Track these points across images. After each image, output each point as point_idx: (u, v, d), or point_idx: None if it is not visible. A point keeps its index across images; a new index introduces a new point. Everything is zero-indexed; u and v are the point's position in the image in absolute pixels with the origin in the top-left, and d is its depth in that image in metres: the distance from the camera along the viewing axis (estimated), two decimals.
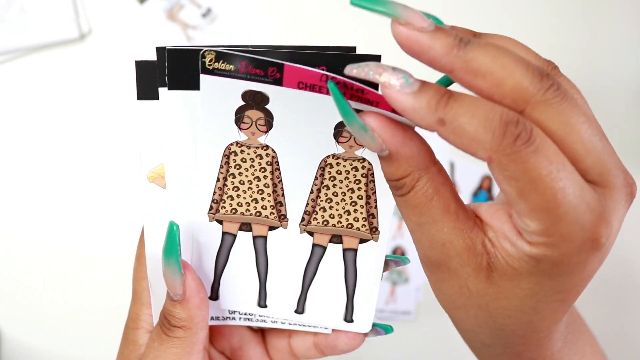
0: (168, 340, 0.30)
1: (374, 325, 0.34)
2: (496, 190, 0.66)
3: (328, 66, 0.27)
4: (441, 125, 0.22)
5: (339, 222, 0.31)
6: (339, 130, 0.29)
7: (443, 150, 0.63)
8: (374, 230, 0.31)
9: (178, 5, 0.60)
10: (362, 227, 0.31)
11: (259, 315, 0.34)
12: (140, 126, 0.29)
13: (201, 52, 0.27)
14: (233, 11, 0.60)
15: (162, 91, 0.29)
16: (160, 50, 0.28)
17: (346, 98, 0.24)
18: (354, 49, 0.28)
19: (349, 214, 0.31)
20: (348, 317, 0.33)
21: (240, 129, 0.29)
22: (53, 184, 0.60)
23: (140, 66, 0.28)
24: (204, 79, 0.27)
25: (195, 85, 0.28)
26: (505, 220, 0.24)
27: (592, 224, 0.22)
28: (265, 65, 0.26)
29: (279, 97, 0.27)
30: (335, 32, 0.60)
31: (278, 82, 0.27)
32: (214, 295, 0.32)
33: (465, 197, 0.65)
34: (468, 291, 0.25)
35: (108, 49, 0.60)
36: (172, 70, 0.28)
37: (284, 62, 0.26)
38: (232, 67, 0.27)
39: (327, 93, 0.26)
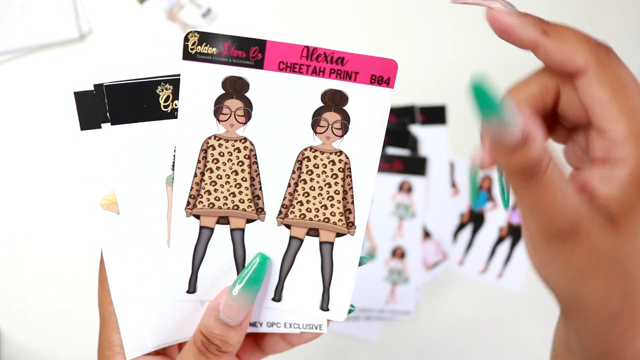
0: None
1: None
2: (496, 191, 0.65)
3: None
4: (545, 35, 0.26)
5: (316, 216, 0.32)
6: (316, 119, 0.29)
7: (443, 149, 0.63)
8: (350, 225, 0.32)
9: (178, 5, 0.60)
10: (338, 221, 0.32)
11: None
12: (87, 156, 0.30)
13: (185, 35, 0.27)
14: (233, 11, 0.60)
15: (105, 126, 0.29)
16: (97, 87, 0.29)
17: (325, 74, 0.28)
18: None
19: (326, 208, 0.31)
20: (324, 306, 0.33)
21: (219, 120, 0.29)
22: (53, 184, 0.60)
23: (80, 97, 0.29)
24: (184, 65, 0.28)
25: (136, 118, 0.29)
26: (596, 175, 0.26)
27: None
28: (248, 44, 0.27)
29: (259, 81, 0.28)
30: (335, 32, 0.60)
31: (259, 64, 0.28)
32: (192, 288, 0.33)
33: (465, 197, 0.65)
34: (598, 251, 0.26)
35: (108, 49, 0.60)
36: (113, 105, 0.29)
37: (266, 39, 0.27)
38: (214, 49, 0.28)
39: (308, 73, 0.28)
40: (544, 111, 0.28)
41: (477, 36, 0.60)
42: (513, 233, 0.66)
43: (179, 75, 0.29)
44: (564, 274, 0.27)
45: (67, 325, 0.61)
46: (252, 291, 0.30)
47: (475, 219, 0.65)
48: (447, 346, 0.59)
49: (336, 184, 0.31)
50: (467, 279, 0.64)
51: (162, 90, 0.29)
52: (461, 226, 0.65)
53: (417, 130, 0.64)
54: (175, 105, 0.29)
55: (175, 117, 0.29)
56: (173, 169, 0.30)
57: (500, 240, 0.66)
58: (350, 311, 0.35)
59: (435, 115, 0.65)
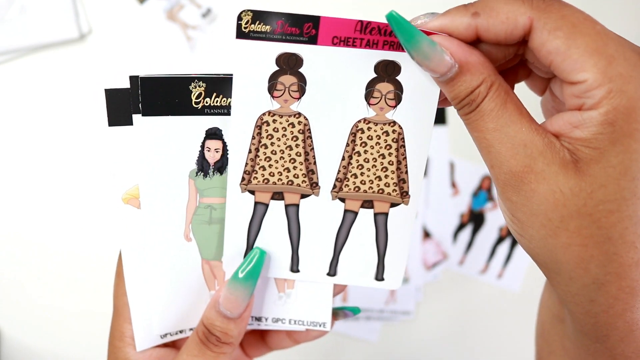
0: (214, 357, 0.31)
1: (341, 309, 0.35)
2: (495, 190, 0.65)
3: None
4: (476, 17, 0.24)
5: (370, 187, 0.32)
6: (370, 90, 0.30)
7: (443, 149, 0.63)
8: (404, 195, 0.32)
9: (178, 5, 0.60)
10: (392, 192, 0.32)
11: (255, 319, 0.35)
12: (113, 150, 0.31)
13: (238, 14, 0.28)
14: (233, 11, 0.60)
15: (136, 117, 0.30)
16: (133, 78, 0.29)
17: (379, 46, 0.28)
18: None
19: (380, 179, 0.32)
20: (379, 276, 0.34)
21: (273, 97, 0.30)
22: (54, 185, 0.60)
23: (110, 94, 0.30)
24: (238, 44, 0.28)
25: (167, 111, 0.30)
26: (563, 117, 0.24)
27: None
28: (302, 21, 0.28)
29: (313, 57, 0.28)
30: None
31: (313, 39, 0.28)
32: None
33: (465, 197, 0.65)
34: (562, 196, 0.24)
35: (108, 49, 0.60)
36: (145, 97, 0.29)
37: (320, 15, 0.28)
38: (268, 27, 0.28)
39: (361, 46, 0.28)
40: (495, 39, 0.25)
41: None
42: None
43: (212, 74, 0.29)
44: (531, 225, 0.25)
45: (67, 325, 0.61)
46: (249, 284, 0.30)
47: (475, 219, 0.65)
48: (447, 346, 0.59)
49: (390, 154, 0.31)
50: (467, 279, 0.64)
51: (195, 87, 0.30)
52: (461, 226, 0.65)
53: None
54: (207, 102, 0.30)
55: (206, 114, 0.30)
56: (197, 164, 0.31)
57: (500, 240, 0.66)
58: (355, 312, 0.35)
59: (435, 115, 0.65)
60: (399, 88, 0.30)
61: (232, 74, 0.29)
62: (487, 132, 0.25)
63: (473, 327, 0.53)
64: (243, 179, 0.31)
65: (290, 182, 0.32)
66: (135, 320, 0.33)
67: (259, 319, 0.35)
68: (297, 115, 0.30)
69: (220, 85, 0.30)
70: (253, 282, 0.31)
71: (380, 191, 0.32)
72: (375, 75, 0.29)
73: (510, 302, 0.64)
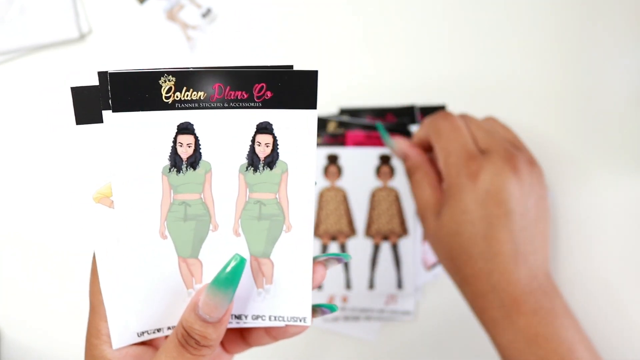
0: (192, 359, 0.31)
1: (318, 306, 0.36)
2: None
3: (267, 83, 0.29)
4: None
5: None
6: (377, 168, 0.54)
7: None
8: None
9: (178, 5, 0.60)
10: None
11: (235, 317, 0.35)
12: (82, 149, 0.31)
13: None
14: (233, 11, 0.60)
15: (106, 114, 0.30)
16: (102, 74, 0.29)
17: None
18: (291, 66, 0.30)
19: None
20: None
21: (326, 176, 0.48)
22: (54, 185, 0.60)
23: (76, 92, 0.30)
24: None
25: (137, 107, 0.30)
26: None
27: (468, 162, 0.46)
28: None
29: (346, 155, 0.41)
30: (337, 32, 0.60)
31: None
32: None
33: None
34: (431, 233, 0.50)
35: (108, 49, 0.60)
36: (115, 92, 0.29)
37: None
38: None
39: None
40: (426, 147, 0.52)
41: (477, 36, 0.60)
42: None
43: (182, 68, 0.29)
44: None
45: (67, 325, 0.61)
46: (229, 291, 0.30)
47: None
48: (447, 346, 0.59)
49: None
50: None
51: (165, 81, 0.29)
52: None
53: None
54: (177, 97, 0.29)
55: (177, 108, 0.30)
56: (170, 160, 0.31)
57: None
58: (333, 310, 0.36)
59: None
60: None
61: (203, 67, 0.29)
62: (415, 190, 0.51)
63: (473, 327, 0.53)
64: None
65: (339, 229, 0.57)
66: (111, 318, 0.33)
67: (238, 317, 0.34)
68: (339, 190, 0.55)
69: (190, 79, 0.29)
70: (233, 288, 0.31)
71: None
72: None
73: None
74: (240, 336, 0.38)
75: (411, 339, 0.60)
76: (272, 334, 0.36)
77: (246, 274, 0.33)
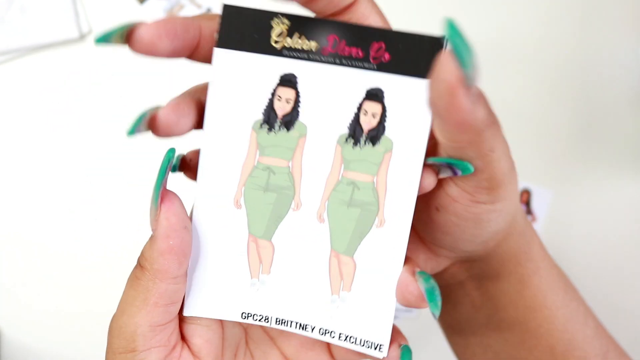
0: (131, 280, 0.26)
1: (445, 161, 0.28)
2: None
3: (387, 43, 0.25)
4: None
5: None
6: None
7: None
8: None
9: (178, 5, 0.60)
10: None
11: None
12: (215, 73, 0.27)
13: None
14: None
15: (215, 50, 0.26)
16: (225, 6, 0.26)
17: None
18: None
19: None
20: None
21: None
22: (54, 185, 0.60)
23: (228, 11, 0.26)
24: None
25: (242, 46, 0.26)
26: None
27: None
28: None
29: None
30: None
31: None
32: None
33: None
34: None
35: (108, 49, 0.60)
36: (224, 27, 0.26)
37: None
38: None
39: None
40: None
41: (477, 36, 0.60)
42: None
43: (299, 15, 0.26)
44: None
45: (68, 325, 0.61)
46: (154, 190, 0.25)
47: None
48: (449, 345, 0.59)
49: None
50: None
51: (278, 23, 0.26)
52: None
53: None
54: (287, 43, 0.26)
55: (284, 55, 0.26)
56: (264, 114, 0.27)
57: None
58: (466, 170, 0.32)
59: None
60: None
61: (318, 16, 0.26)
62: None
63: None
64: None
65: None
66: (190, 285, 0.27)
67: (304, 328, 0.28)
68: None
69: (305, 25, 0.26)
70: (155, 188, 0.25)
71: None
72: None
73: None
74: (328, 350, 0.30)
75: (412, 337, 0.60)
76: (332, 351, 0.29)
77: (320, 273, 0.27)
